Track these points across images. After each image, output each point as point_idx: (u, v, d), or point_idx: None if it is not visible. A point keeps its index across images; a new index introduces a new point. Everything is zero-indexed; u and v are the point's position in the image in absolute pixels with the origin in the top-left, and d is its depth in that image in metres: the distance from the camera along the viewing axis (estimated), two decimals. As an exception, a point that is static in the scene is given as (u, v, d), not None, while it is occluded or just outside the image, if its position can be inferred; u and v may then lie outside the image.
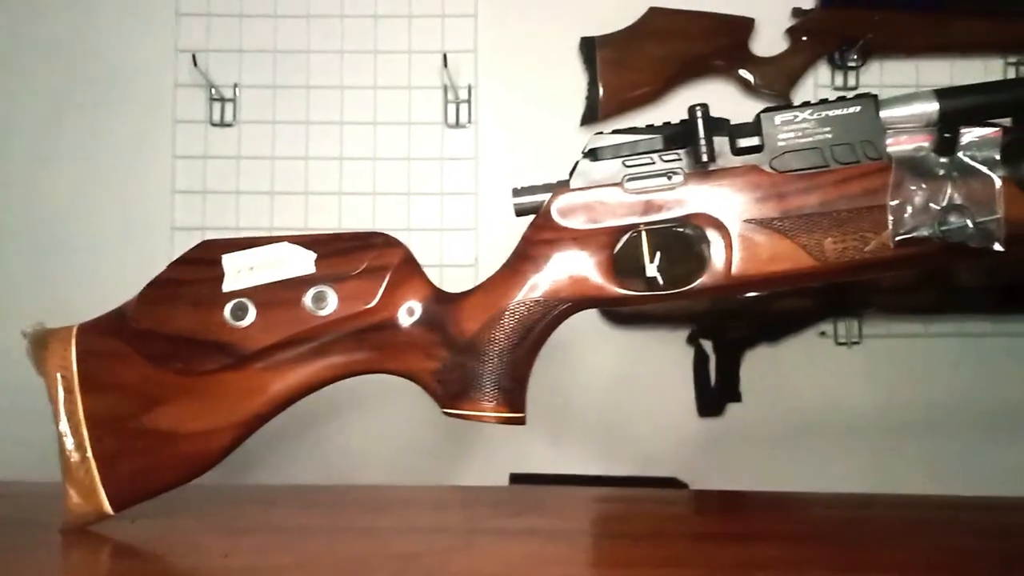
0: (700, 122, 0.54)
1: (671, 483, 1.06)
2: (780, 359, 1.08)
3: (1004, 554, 0.55)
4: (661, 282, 0.56)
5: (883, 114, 0.54)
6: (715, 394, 1.07)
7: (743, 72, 1.05)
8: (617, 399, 1.09)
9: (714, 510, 0.75)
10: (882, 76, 1.07)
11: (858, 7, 1.03)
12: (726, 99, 1.08)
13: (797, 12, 1.06)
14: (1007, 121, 0.54)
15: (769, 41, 1.07)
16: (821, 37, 1.05)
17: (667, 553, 0.54)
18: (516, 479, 1.06)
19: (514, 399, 0.56)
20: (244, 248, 0.57)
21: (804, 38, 1.05)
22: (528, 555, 0.54)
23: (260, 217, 1.07)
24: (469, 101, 1.08)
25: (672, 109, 1.07)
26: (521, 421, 0.56)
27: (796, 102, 1.03)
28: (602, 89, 1.05)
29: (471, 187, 1.08)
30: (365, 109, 1.08)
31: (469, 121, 1.09)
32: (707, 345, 1.08)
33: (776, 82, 1.05)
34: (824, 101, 0.55)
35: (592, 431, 1.09)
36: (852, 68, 1.07)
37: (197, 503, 0.64)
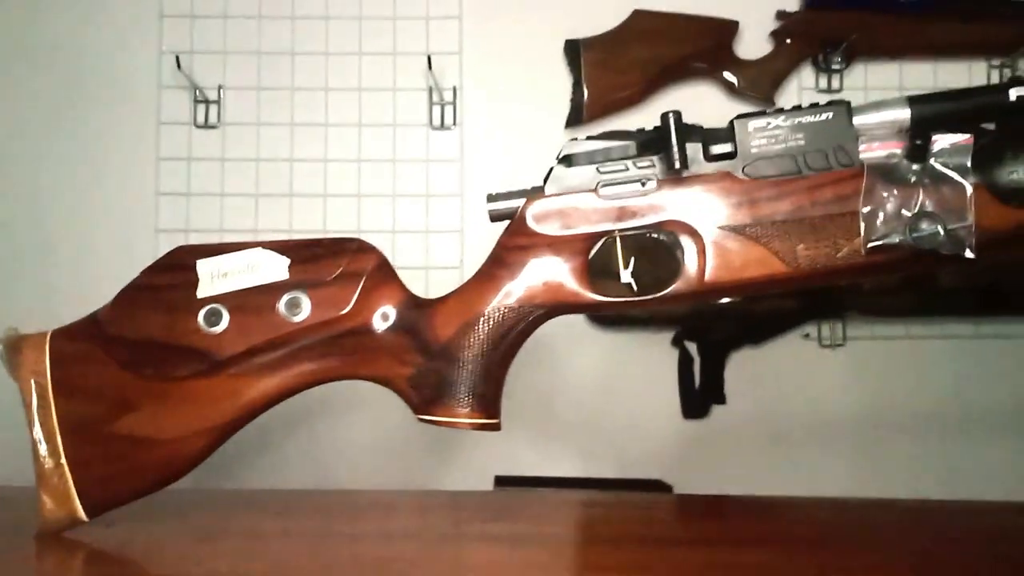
0: (672, 129, 0.54)
1: (656, 485, 1.07)
2: (764, 361, 1.08)
3: (989, 558, 0.56)
4: (635, 288, 0.56)
5: (856, 121, 0.54)
6: (699, 396, 1.07)
7: (727, 74, 1.06)
8: (602, 401, 1.09)
9: (698, 515, 0.75)
10: (866, 78, 1.08)
11: (841, 10, 1.03)
12: (710, 101, 1.08)
13: (781, 15, 1.06)
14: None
15: (753, 44, 1.07)
16: (805, 40, 1.05)
17: (651, 559, 0.54)
18: (501, 482, 1.06)
19: (488, 405, 0.56)
20: (218, 254, 0.57)
21: (788, 41, 1.05)
22: (511, 561, 0.54)
23: (244, 219, 1.07)
24: (454, 103, 1.08)
25: (657, 111, 1.03)
26: (496, 427, 0.56)
27: (780, 104, 1.05)
28: (587, 91, 1.06)
29: (456, 189, 1.08)
30: (350, 111, 1.08)
31: (454, 123, 1.09)
32: (691, 347, 1.08)
33: (760, 84, 1.05)
34: (797, 108, 0.55)
35: (577, 433, 1.09)
36: (836, 71, 1.07)
37: (175, 508, 0.63)
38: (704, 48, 1.05)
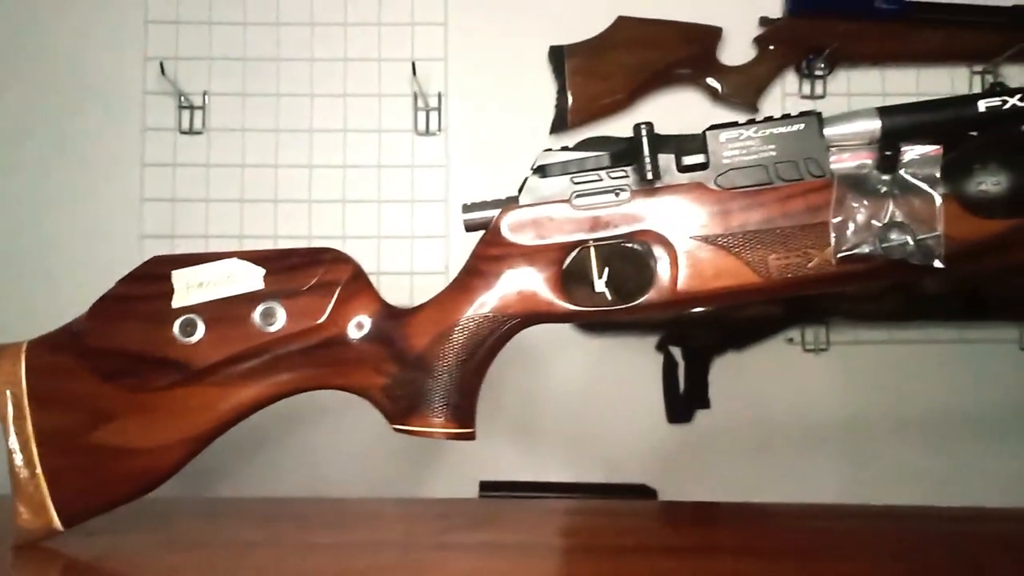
0: (645, 140, 0.54)
1: (640, 490, 1.07)
2: (748, 366, 1.09)
3: (978, 565, 0.56)
4: (609, 297, 0.56)
5: (826, 132, 0.54)
6: (684, 400, 1.08)
7: (711, 81, 1.06)
8: (587, 406, 1.09)
9: (684, 523, 0.75)
10: (849, 85, 1.08)
11: (824, 17, 1.03)
12: (695, 107, 1.08)
13: (764, 21, 1.06)
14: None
15: (737, 50, 1.08)
16: (788, 46, 1.06)
17: (636, 569, 0.55)
18: (486, 487, 1.06)
19: (463, 415, 0.56)
20: (193, 264, 0.57)
21: (771, 47, 1.06)
22: (495, 571, 0.54)
23: (230, 225, 1.07)
24: (439, 109, 1.09)
25: (641, 117, 1.06)
26: (470, 437, 0.57)
27: (764, 110, 1.06)
28: (571, 97, 1.06)
29: (441, 195, 1.08)
30: (335, 117, 1.08)
31: (439, 129, 1.09)
32: (676, 352, 1.08)
33: (744, 91, 1.06)
34: (768, 119, 0.55)
35: (562, 438, 1.10)
36: (819, 77, 1.07)
37: (157, 517, 0.63)
38: (688, 55, 1.06)
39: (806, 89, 1.08)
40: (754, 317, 1.07)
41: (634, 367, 1.08)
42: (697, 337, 1.08)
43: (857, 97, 1.07)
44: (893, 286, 1.00)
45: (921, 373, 1.09)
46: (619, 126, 1.05)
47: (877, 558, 0.57)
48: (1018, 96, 0.53)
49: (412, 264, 1.08)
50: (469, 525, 0.67)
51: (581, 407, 1.09)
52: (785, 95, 1.08)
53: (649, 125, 0.55)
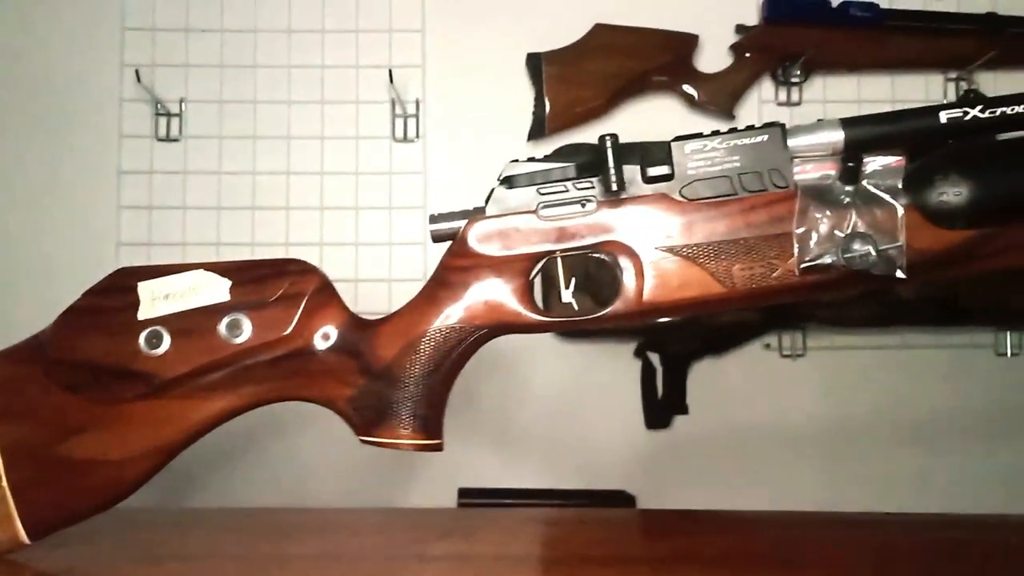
0: (609, 152, 0.54)
1: (619, 495, 1.07)
2: (726, 371, 1.09)
3: (953, 573, 0.56)
4: (576, 308, 0.56)
5: (790, 143, 0.54)
6: (662, 406, 1.08)
7: (687, 88, 1.06)
8: (566, 412, 1.09)
9: (662, 532, 0.75)
10: (825, 91, 1.09)
11: (799, 25, 1.04)
12: (672, 114, 1.09)
13: (740, 29, 1.07)
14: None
15: (713, 57, 1.08)
16: (764, 53, 1.06)
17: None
18: (464, 494, 1.06)
19: (430, 426, 0.56)
20: (159, 276, 0.57)
21: (747, 54, 1.06)
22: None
23: (207, 232, 1.07)
24: (417, 115, 1.09)
25: (619, 124, 1.08)
26: (438, 448, 0.57)
27: (740, 117, 1.06)
28: (549, 104, 1.06)
29: (419, 201, 1.08)
30: (312, 123, 1.08)
31: (417, 135, 1.09)
32: (654, 358, 1.09)
33: (720, 98, 1.06)
34: (733, 130, 0.55)
35: (541, 444, 1.10)
36: (795, 84, 1.08)
37: (127, 528, 0.63)
38: (664, 62, 1.06)
39: (782, 96, 1.08)
40: (731, 323, 1.07)
41: (613, 373, 1.09)
42: (675, 343, 1.08)
43: (833, 104, 1.08)
44: (866, 293, 1.00)
45: (897, 378, 1.10)
46: (597, 133, 1.04)
47: (854, 567, 0.58)
48: (979, 107, 0.53)
49: (390, 271, 1.07)
50: (447, 535, 0.67)
51: (560, 413, 1.09)
52: (761, 102, 1.09)
53: (614, 136, 0.55)
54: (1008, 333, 1.08)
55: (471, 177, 1.08)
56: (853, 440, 1.09)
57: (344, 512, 0.82)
